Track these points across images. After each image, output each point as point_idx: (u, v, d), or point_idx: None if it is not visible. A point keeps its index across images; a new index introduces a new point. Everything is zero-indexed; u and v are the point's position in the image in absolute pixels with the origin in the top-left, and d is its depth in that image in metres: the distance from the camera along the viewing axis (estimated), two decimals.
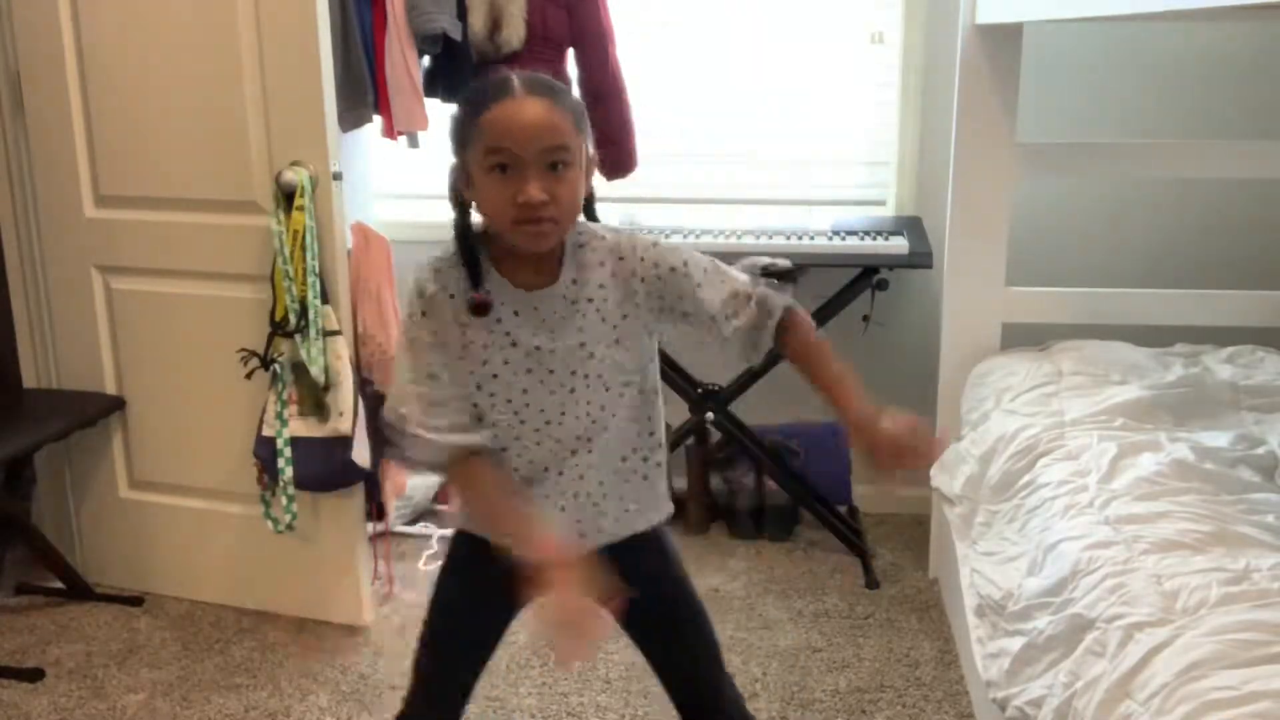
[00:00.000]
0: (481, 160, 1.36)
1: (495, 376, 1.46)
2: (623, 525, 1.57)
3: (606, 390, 1.49)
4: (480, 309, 1.42)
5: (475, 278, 1.43)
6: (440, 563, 1.69)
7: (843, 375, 1.57)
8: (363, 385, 2.57)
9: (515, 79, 1.37)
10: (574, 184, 1.39)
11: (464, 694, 1.72)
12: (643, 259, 1.49)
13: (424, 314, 1.44)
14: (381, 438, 2.55)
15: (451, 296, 1.44)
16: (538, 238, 1.38)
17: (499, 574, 1.35)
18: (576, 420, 1.49)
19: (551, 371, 1.46)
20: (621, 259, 1.49)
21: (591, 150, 1.44)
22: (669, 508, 1.63)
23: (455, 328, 1.44)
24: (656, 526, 1.61)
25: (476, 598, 1.63)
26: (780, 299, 1.53)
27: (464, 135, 1.39)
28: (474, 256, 1.44)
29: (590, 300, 1.47)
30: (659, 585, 1.61)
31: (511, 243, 1.40)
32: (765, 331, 1.52)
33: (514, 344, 1.45)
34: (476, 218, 1.44)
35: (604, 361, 1.48)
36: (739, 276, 1.53)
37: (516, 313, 1.45)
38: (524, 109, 1.34)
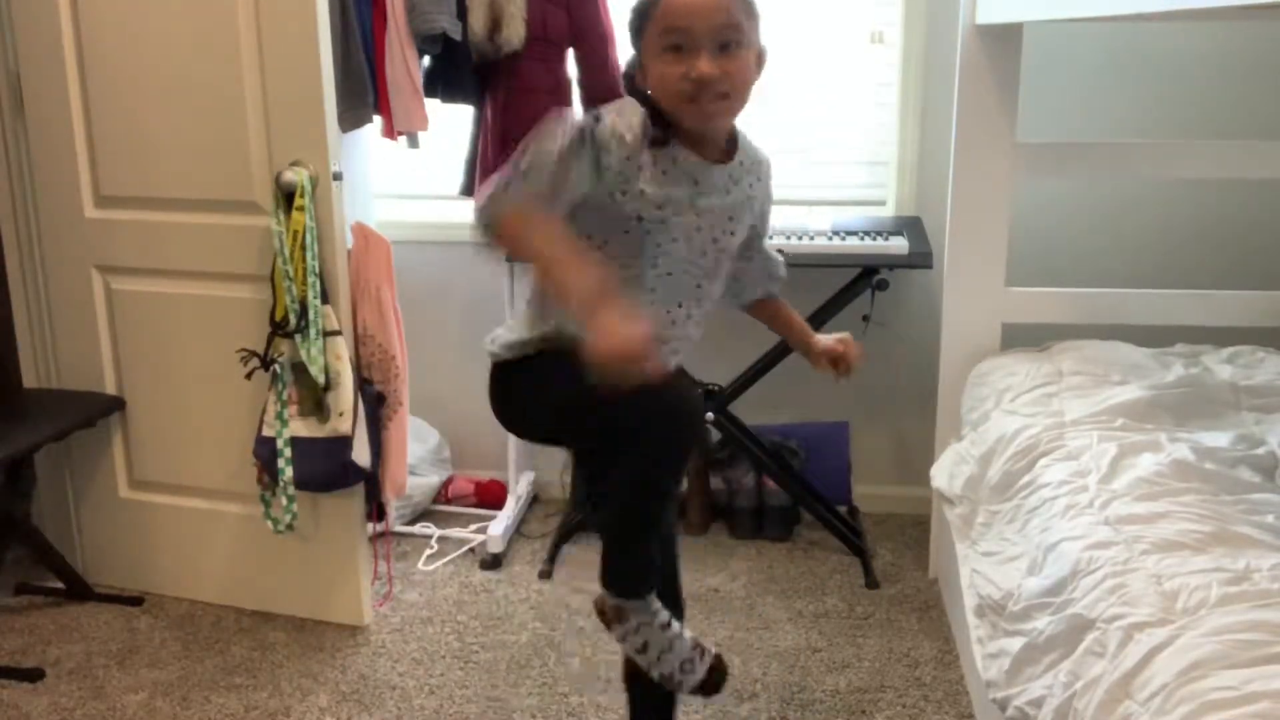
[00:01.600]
0: (658, 41, 1.46)
1: (663, 223, 1.55)
2: (675, 359, 1.73)
3: (727, 261, 1.70)
4: (659, 140, 1.51)
5: (658, 122, 1.52)
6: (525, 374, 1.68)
7: (798, 319, 1.93)
8: (363, 385, 2.57)
9: None
10: (746, 63, 1.48)
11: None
12: (769, 189, 1.73)
13: (594, 139, 1.49)
14: (375, 419, 2.58)
15: (632, 135, 1.50)
16: (709, 115, 1.48)
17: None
18: (705, 276, 1.65)
19: (699, 230, 1.60)
20: (760, 179, 1.69)
21: (763, 43, 1.53)
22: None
23: (624, 165, 1.50)
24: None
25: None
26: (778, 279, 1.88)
27: (640, 22, 1.49)
28: (657, 111, 1.52)
29: (747, 188, 1.66)
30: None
31: (684, 121, 1.49)
32: (758, 287, 1.85)
33: (684, 197, 1.56)
34: None
35: (735, 238, 1.68)
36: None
37: (692, 177, 1.56)
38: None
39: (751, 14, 1.49)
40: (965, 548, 2.33)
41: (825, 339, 1.87)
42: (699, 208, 1.59)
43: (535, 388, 1.66)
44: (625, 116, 1.53)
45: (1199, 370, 2.52)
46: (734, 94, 1.48)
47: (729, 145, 1.61)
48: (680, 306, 1.66)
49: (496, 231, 1.50)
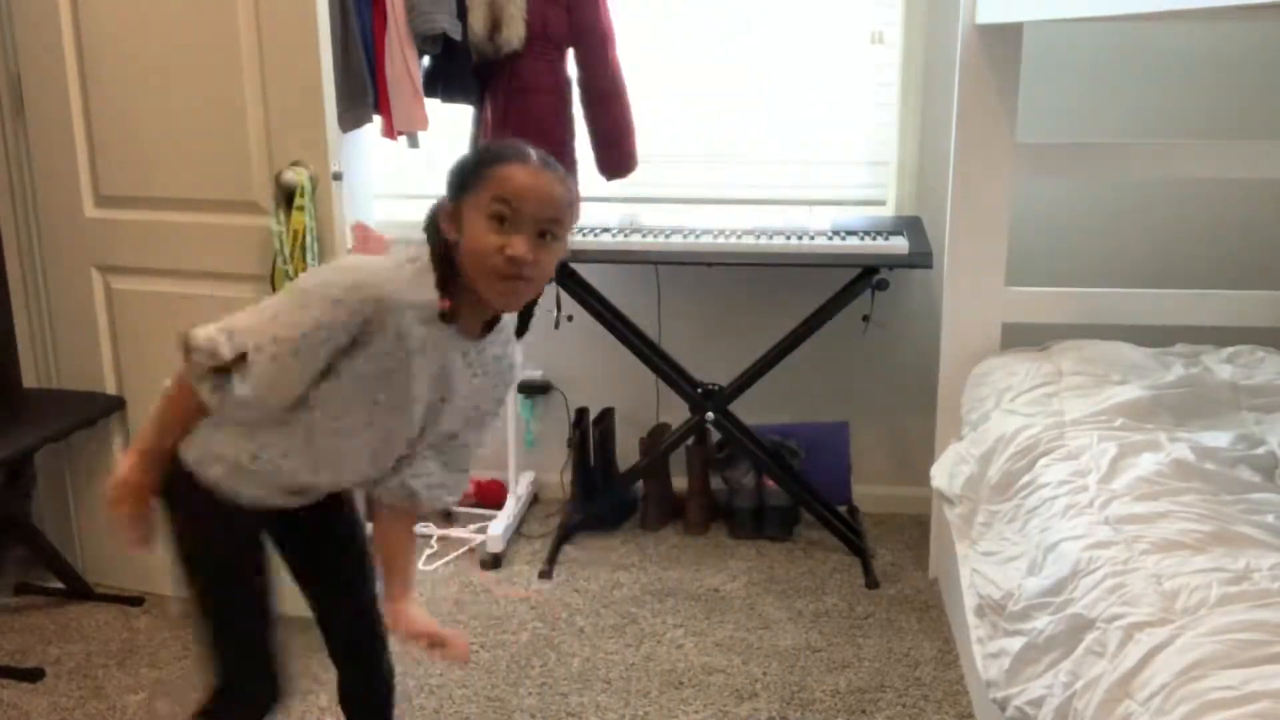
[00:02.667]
0: (484, 205, 1.43)
1: (376, 403, 1.52)
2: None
3: (425, 445, 1.65)
4: (448, 316, 1.49)
5: (445, 287, 1.49)
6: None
7: (407, 558, 1.78)
8: None
9: (534, 153, 1.47)
10: (554, 257, 1.48)
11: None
12: (513, 365, 1.65)
13: (359, 313, 1.45)
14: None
15: (410, 306, 1.47)
16: (510, 295, 1.47)
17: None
18: (380, 464, 1.64)
19: (405, 412, 1.55)
20: (508, 348, 1.63)
21: (566, 249, 1.53)
22: None
23: (386, 339, 1.46)
24: None
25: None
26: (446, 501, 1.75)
27: (469, 178, 1.46)
28: (449, 273, 1.48)
29: (484, 368, 1.60)
30: (331, 517, 1.75)
31: (481, 291, 1.46)
32: (420, 497, 1.71)
33: (412, 375, 1.51)
34: None
35: (452, 423, 1.63)
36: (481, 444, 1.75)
37: (445, 350, 1.53)
38: (539, 175, 1.45)
39: (573, 216, 1.50)
40: (965, 548, 2.33)
41: (424, 621, 1.69)
42: (423, 389, 1.54)
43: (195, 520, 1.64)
44: (399, 284, 1.48)
45: (1199, 370, 2.52)
46: (535, 283, 1.47)
47: (489, 322, 1.57)
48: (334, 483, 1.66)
49: (184, 372, 1.54)
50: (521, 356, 1.67)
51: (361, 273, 1.47)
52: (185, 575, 1.64)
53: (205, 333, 1.48)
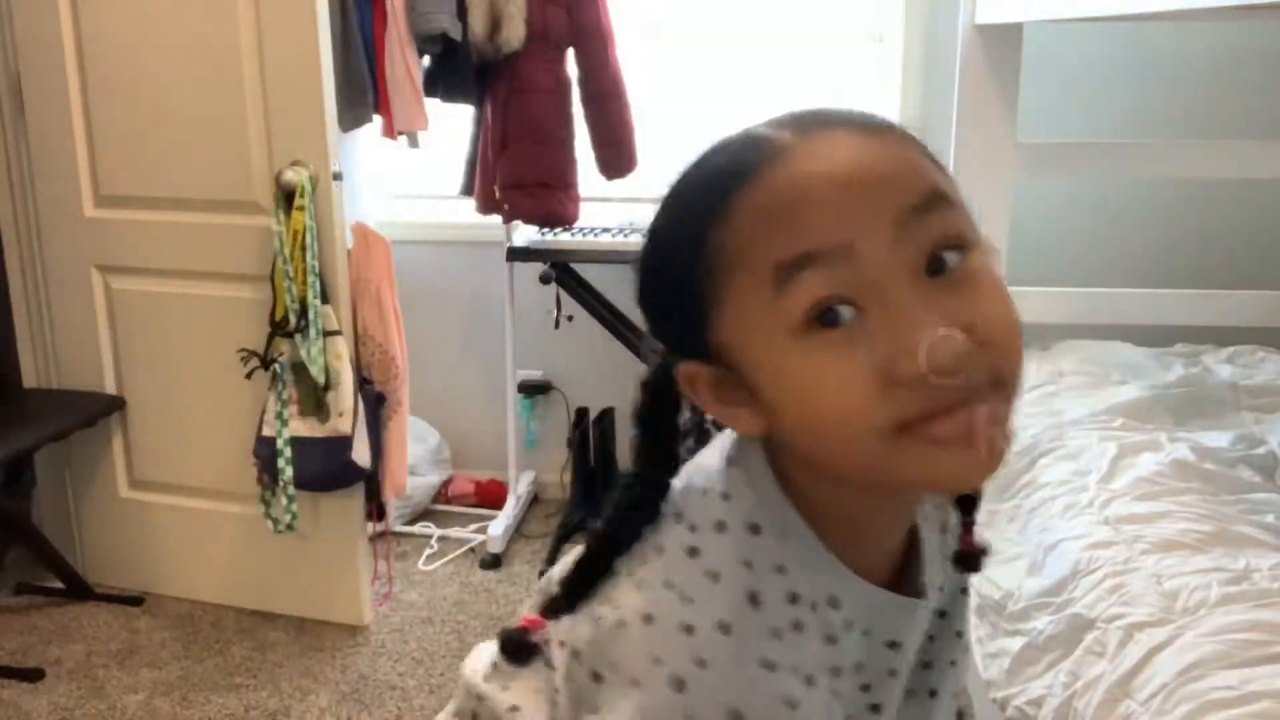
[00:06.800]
0: (770, 300, 0.62)
1: None
2: None
3: None
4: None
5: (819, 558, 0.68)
6: None
7: None
8: (362, 385, 2.57)
9: (787, 118, 0.67)
10: (998, 288, 0.63)
11: None
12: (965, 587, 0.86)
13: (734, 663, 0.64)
14: (375, 419, 2.50)
15: (812, 607, 0.67)
16: (977, 456, 0.60)
17: None
18: None
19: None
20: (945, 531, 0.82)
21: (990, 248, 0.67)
22: None
23: (792, 680, 0.64)
24: None
25: None
26: None
27: (688, 265, 0.65)
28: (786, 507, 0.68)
29: (942, 615, 0.82)
30: None
31: (895, 485, 0.66)
32: None
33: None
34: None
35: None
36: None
37: (892, 644, 0.74)
38: (842, 147, 0.63)
39: (952, 185, 0.65)
40: None
41: None
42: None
43: None
44: (763, 565, 0.67)
45: (1199, 370, 2.52)
46: (1008, 384, 0.63)
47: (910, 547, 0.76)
48: None
49: None
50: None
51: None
52: None
53: None
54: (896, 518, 0.71)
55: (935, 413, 0.59)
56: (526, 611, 0.75)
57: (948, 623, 0.82)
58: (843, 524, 0.68)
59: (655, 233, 0.69)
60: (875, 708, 0.75)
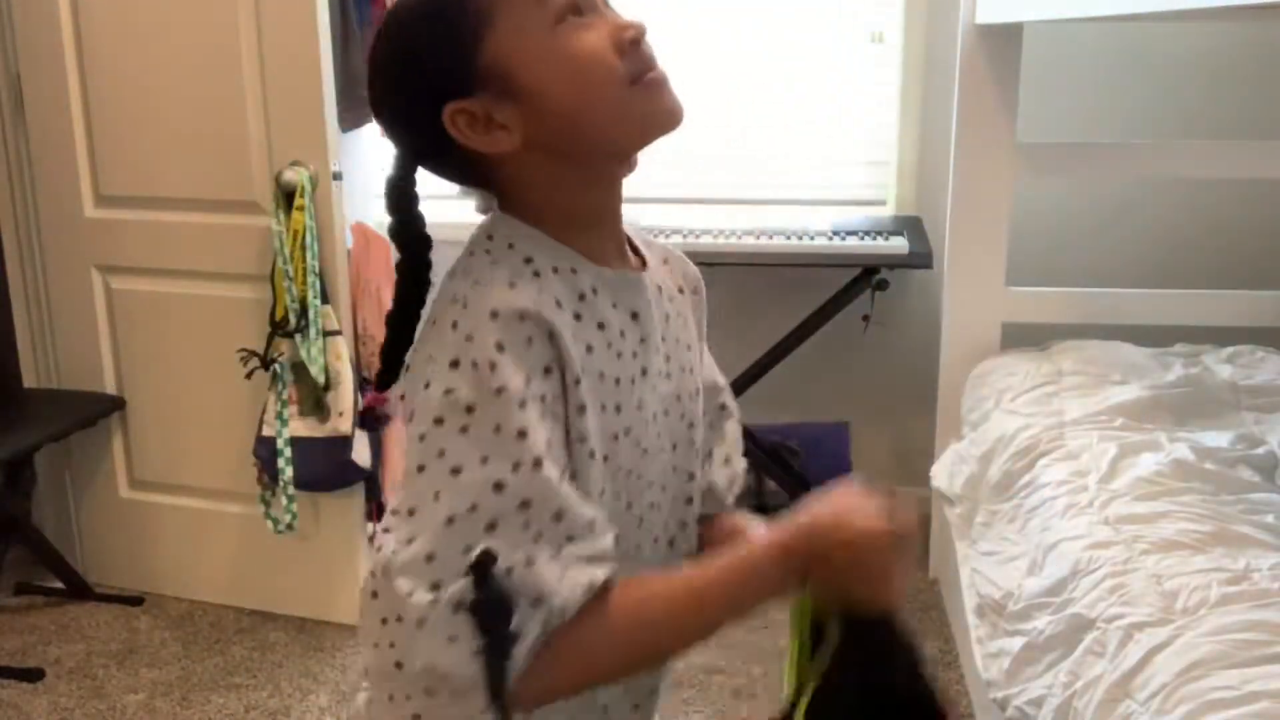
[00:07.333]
0: (540, 17, 0.86)
1: (628, 432, 0.93)
2: None
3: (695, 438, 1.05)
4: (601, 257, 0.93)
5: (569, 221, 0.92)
6: None
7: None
8: (362, 385, 2.57)
9: None
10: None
11: None
12: (686, 273, 1.07)
13: (542, 367, 0.84)
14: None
15: (576, 316, 0.89)
16: (669, 96, 0.89)
17: None
18: (684, 485, 1.04)
19: (667, 413, 0.98)
20: (668, 262, 1.05)
21: None
22: None
23: (582, 368, 0.87)
24: None
25: None
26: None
27: (456, 38, 0.86)
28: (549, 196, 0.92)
29: (673, 303, 1.01)
30: None
31: (638, 133, 0.90)
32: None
33: (643, 370, 0.94)
34: None
35: (699, 395, 1.05)
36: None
37: (634, 315, 0.94)
38: None
39: None
40: (965, 547, 2.33)
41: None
42: (654, 366, 0.96)
43: None
44: (530, 282, 0.87)
45: (1199, 370, 2.52)
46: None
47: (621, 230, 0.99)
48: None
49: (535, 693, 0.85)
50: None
51: (471, 321, 0.83)
52: None
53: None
54: (614, 205, 0.95)
55: (647, 68, 0.88)
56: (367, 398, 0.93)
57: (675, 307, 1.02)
58: (576, 225, 0.92)
59: (404, 12, 0.89)
60: (678, 398, 1.00)
